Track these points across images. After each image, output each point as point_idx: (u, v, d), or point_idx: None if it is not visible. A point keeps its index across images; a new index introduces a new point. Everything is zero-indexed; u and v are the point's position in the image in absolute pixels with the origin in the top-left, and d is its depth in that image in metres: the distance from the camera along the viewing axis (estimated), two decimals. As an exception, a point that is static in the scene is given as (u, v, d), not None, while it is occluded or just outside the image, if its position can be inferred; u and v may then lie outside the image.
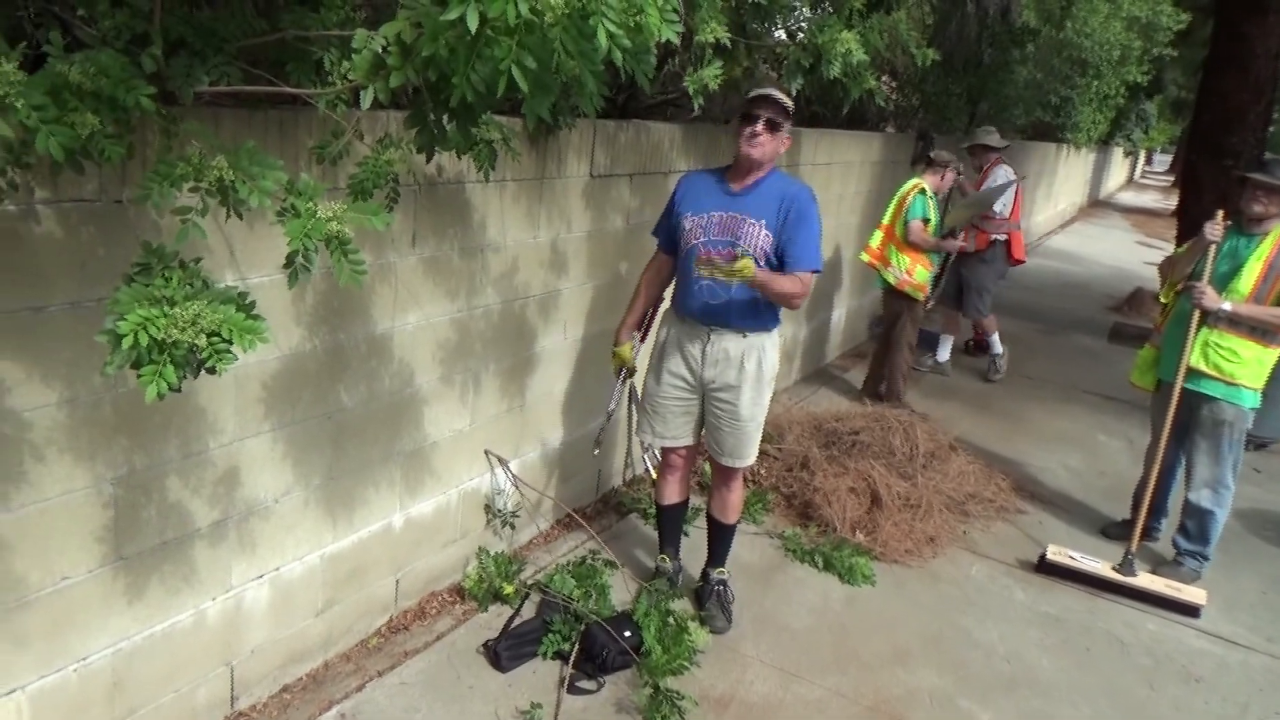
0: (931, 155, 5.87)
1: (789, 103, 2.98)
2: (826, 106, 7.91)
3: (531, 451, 3.69)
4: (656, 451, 3.79)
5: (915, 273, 5.66)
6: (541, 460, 3.78)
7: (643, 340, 3.43)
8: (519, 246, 3.28)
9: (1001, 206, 6.36)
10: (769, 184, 3.08)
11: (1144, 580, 4.01)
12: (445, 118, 1.92)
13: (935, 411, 5.98)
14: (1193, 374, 3.98)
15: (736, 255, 2.95)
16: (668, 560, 3.53)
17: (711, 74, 2.91)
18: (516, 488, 3.52)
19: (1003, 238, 6.62)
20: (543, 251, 3.42)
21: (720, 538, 3.46)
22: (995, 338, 7.01)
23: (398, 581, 3.15)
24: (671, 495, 3.47)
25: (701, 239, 3.06)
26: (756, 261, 3.00)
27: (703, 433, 3.34)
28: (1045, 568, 4.10)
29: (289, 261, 1.65)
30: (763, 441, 4.76)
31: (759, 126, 2.96)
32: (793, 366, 6.32)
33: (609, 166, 3.66)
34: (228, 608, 2.54)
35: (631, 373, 3.43)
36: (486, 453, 3.41)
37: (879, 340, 6.20)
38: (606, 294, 3.83)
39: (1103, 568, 4.05)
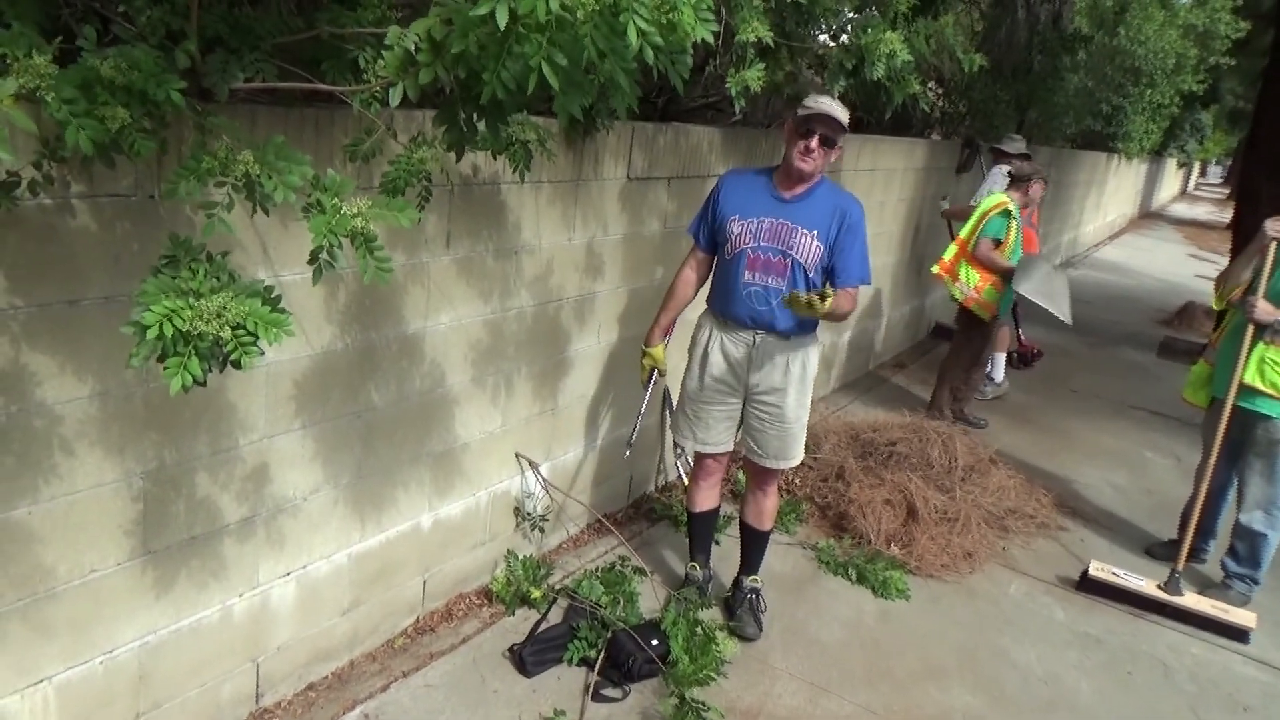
0: (1012, 171, 5.65)
1: (846, 119, 2.93)
2: (870, 112, 7.86)
3: (563, 455, 3.67)
4: (689, 457, 3.74)
5: (984, 291, 5.45)
6: (573, 464, 3.76)
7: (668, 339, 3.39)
8: (554, 249, 3.27)
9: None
10: (820, 194, 3.03)
11: (1190, 600, 3.89)
12: (475, 115, 1.90)
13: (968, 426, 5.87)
14: (1246, 391, 3.84)
15: (812, 271, 2.99)
16: (698, 568, 3.49)
17: (754, 76, 2.87)
18: (546, 491, 3.50)
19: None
20: (578, 254, 3.40)
21: (755, 545, 3.41)
22: (1000, 356, 6.55)
23: (425, 582, 3.14)
24: (705, 501, 3.43)
25: (751, 244, 3.02)
26: (806, 274, 2.97)
27: (738, 436, 3.30)
28: (1087, 585, 3.99)
29: (313, 257, 1.63)
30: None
31: (814, 142, 2.91)
32: (831, 375, 6.24)
33: (646, 169, 3.63)
34: (254, 604, 2.54)
35: (662, 374, 3.40)
36: (517, 455, 3.39)
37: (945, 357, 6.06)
38: (641, 298, 3.80)
39: (1147, 585, 3.93)
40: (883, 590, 3.77)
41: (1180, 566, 3.97)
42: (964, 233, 5.57)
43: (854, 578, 3.85)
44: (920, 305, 7.75)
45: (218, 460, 2.32)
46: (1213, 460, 4.02)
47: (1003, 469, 4.64)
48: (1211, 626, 3.83)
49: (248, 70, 1.98)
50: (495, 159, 2.72)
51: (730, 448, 3.31)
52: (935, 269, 5.74)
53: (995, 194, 5.58)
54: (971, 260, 5.49)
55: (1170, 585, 3.92)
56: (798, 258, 2.99)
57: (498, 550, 3.44)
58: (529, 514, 3.48)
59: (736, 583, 3.44)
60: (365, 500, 2.79)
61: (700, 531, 3.48)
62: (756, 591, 3.40)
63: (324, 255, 1.62)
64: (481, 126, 1.95)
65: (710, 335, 3.18)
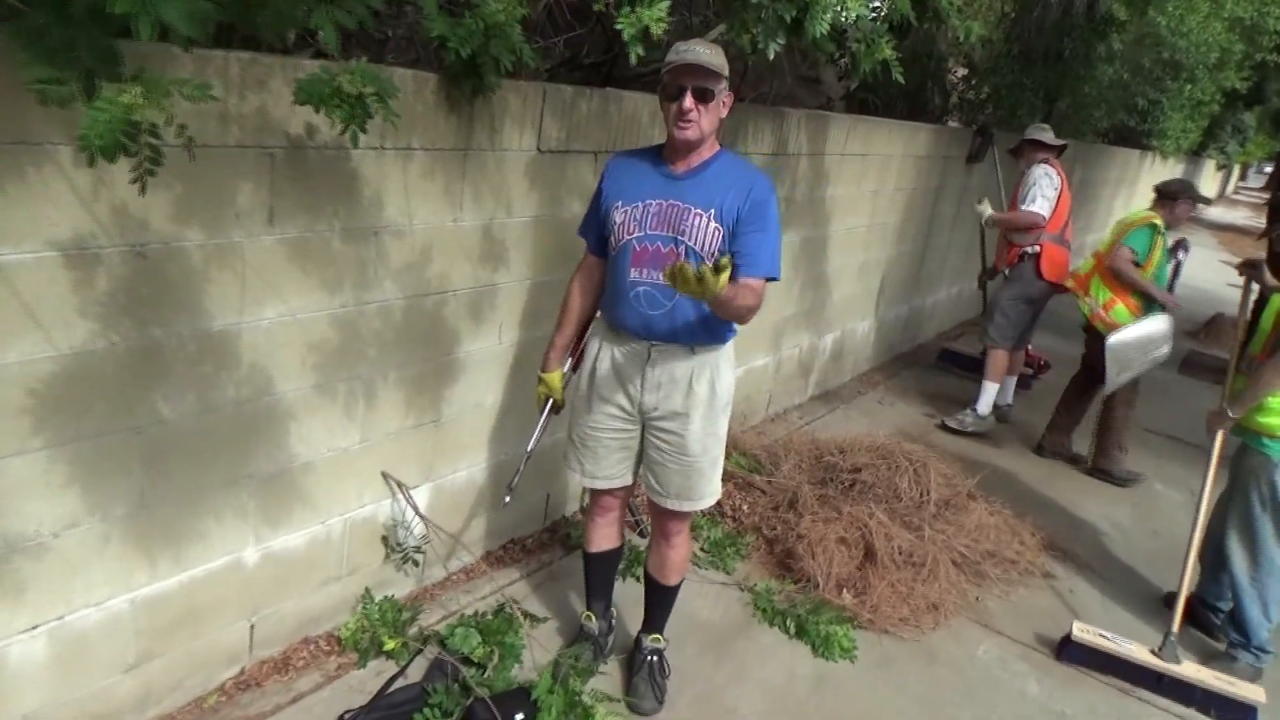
0: (1158, 186, 4.87)
1: (718, 61, 2.33)
2: (877, 93, 7.22)
3: (450, 474, 3.12)
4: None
5: (1113, 310, 4.75)
6: (465, 484, 3.21)
7: (575, 368, 2.80)
8: (433, 232, 2.70)
9: (1031, 204, 5.14)
10: (718, 167, 2.45)
11: (1189, 670, 3.29)
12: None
13: (966, 449, 5.27)
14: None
15: (710, 260, 2.33)
16: (593, 619, 2.93)
17: (655, 16, 2.26)
18: (420, 516, 2.95)
19: (1033, 250, 5.31)
20: (468, 239, 2.84)
21: (659, 601, 2.84)
22: (991, 386, 5.50)
23: (253, 627, 2.61)
24: (601, 540, 2.86)
25: (636, 234, 2.44)
26: (694, 259, 2.39)
27: (640, 470, 2.73)
28: (1070, 652, 3.40)
29: None
30: (753, 472, 4.16)
31: (687, 101, 2.32)
32: (809, 381, 5.65)
33: (564, 140, 3.05)
34: (-17, 666, 2.02)
35: (559, 407, 2.81)
36: (384, 476, 2.85)
37: (1072, 383, 5.32)
38: (558, 292, 3.21)
39: (1138, 651, 3.34)
40: (824, 649, 3.20)
41: (1176, 628, 3.38)
42: (1104, 245, 4.87)
43: (792, 630, 3.28)
44: (920, 307, 7.13)
45: (-94, 491, 1.79)
46: (1207, 491, 3.46)
47: (984, 504, 4.04)
48: (1214, 703, 3.24)
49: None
50: (318, 113, 2.13)
51: (628, 482, 2.74)
52: (1069, 282, 5.06)
53: (1144, 208, 4.83)
54: (1106, 275, 4.78)
55: (1165, 651, 3.33)
56: (691, 244, 2.41)
57: (359, 587, 2.90)
58: (399, 544, 2.94)
59: (637, 642, 2.89)
60: (154, 534, 2.26)
61: (598, 575, 2.92)
62: (659, 654, 2.84)
63: None
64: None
65: (600, 347, 2.61)
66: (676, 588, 2.82)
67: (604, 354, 2.59)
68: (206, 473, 2.32)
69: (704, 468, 2.63)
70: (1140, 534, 4.59)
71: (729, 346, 2.63)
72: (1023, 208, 5.17)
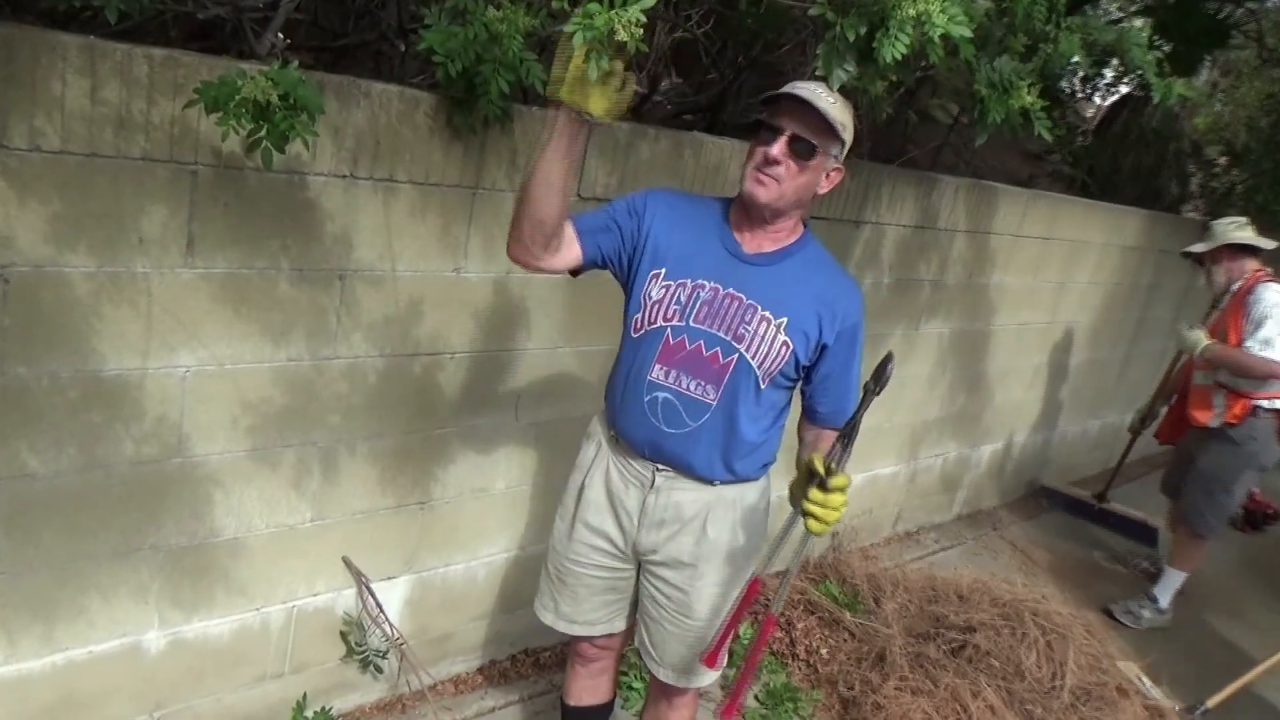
0: None
1: (841, 117, 1.73)
2: (1094, 174, 6.26)
3: (442, 567, 2.64)
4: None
5: None
6: (464, 580, 2.71)
7: None
8: (424, 281, 2.26)
9: (1269, 348, 3.54)
10: (804, 261, 1.86)
11: None
12: None
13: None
14: None
15: (765, 381, 1.84)
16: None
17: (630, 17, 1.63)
18: (380, 611, 2.46)
19: (1275, 405, 3.75)
20: (474, 293, 2.38)
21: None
22: (1178, 576, 4.07)
23: (156, 723, 2.22)
24: (583, 694, 2.26)
25: (675, 321, 1.84)
26: (758, 387, 1.85)
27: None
28: None
29: None
30: (845, 607, 3.42)
31: (776, 148, 1.73)
32: (954, 499, 4.76)
33: (616, 188, 2.54)
34: None
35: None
36: (346, 562, 2.40)
37: None
38: (598, 367, 2.70)
39: None
40: None
41: None
42: None
43: (841, 837, 2.53)
44: (1116, 425, 5.96)
45: None
46: None
47: (1138, 701, 3.07)
48: None
49: None
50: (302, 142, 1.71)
51: (617, 629, 2.14)
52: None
53: None
54: None
55: None
56: (749, 356, 1.81)
57: (308, 687, 2.46)
58: (359, 645, 2.47)
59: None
60: (14, 606, 1.90)
61: (579, 733, 2.32)
62: None
63: None
64: None
65: (595, 456, 2.03)
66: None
67: (597, 468, 2.01)
68: (91, 540, 1.95)
69: (711, 637, 1.99)
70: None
71: (764, 481, 2.01)
72: (1257, 352, 3.57)
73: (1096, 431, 5.79)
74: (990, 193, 3.90)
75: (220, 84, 1.62)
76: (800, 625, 3.21)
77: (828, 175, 1.79)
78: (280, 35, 1.88)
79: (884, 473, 4.15)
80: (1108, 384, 5.57)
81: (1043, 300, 4.59)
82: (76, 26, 1.80)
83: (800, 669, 3.16)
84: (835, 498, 1.63)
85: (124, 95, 1.70)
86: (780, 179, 1.74)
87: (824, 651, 3.20)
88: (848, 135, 1.76)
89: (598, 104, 1.56)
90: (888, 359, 1.67)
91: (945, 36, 1.77)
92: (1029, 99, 2.15)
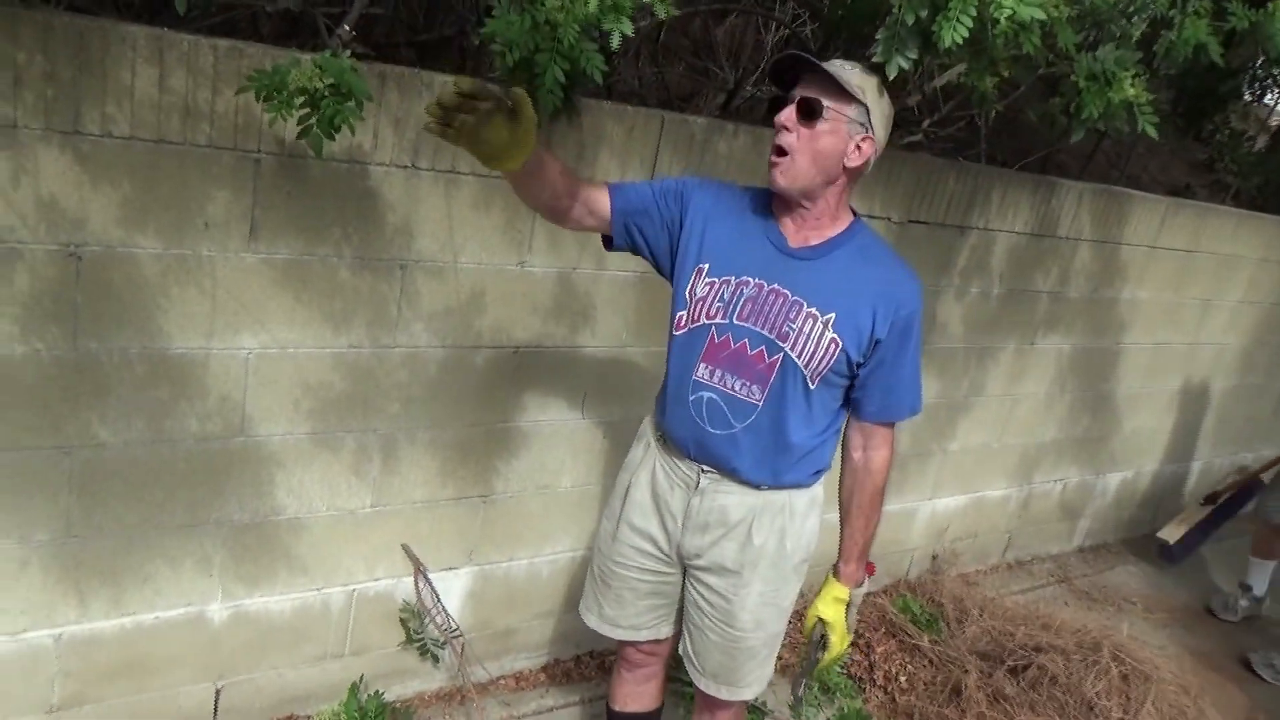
0: None
1: (854, 78, 1.62)
2: (1266, 184, 5.71)
3: (505, 561, 2.64)
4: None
5: None
6: (528, 576, 2.71)
7: None
8: (487, 274, 2.27)
9: None
10: (853, 251, 1.76)
11: None
12: None
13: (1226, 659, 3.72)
14: None
15: (814, 381, 1.78)
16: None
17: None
18: (437, 603, 2.48)
19: None
20: (538, 288, 2.37)
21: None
22: (1268, 564, 3.98)
23: (218, 692, 2.30)
24: (630, 700, 2.21)
25: (719, 319, 1.78)
26: (807, 386, 1.76)
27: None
28: None
29: None
30: (926, 629, 3.23)
31: (783, 115, 1.65)
32: (1075, 528, 4.43)
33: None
34: None
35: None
36: (405, 549, 2.44)
37: None
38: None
39: None
40: None
41: None
42: None
43: None
44: (1270, 457, 5.42)
45: None
46: None
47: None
48: None
49: None
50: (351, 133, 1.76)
51: (664, 635, 2.07)
52: None
53: None
54: None
55: None
56: (794, 355, 1.73)
57: (367, 669, 2.51)
58: (417, 633, 2.50)
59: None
60: (86, 567, 2.01)
61: (623, 739, 2.26)
62: None
63: None
64: None
65: (643, 457, 1.97)
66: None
67: (644, 468, 1.96)
68: (159, 510, 2.05)
69: (755, 647, 1.92)
70: None
71: (816, 488, 1.91)
72: None
73: (1251, 464, 5.26)
74: (1120, 199, 3.60)
75: (272, 72, 1.67)
76: (880, 649, 3.04)
77: (858, 147, 1.67)
78: (348, 29, 1.91)
79: (992, 495, 3.90)
80: (1263, 413, 5.06)
81: (1185, 319, 4.20)
82: (160, 21, 1.89)
83: (877, 696, 2.99)
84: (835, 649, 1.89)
85: (190, 84, 1.78)
86: (792, 148, 1.65)
87: (903, 679, 3.02)
88: (869, 100, 1.63)
89: (482, 154, 1.49)
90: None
91: (1040, 23, 1.64)
92: (1131, 91, 1.95)
